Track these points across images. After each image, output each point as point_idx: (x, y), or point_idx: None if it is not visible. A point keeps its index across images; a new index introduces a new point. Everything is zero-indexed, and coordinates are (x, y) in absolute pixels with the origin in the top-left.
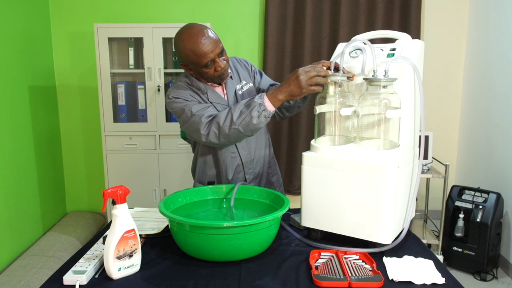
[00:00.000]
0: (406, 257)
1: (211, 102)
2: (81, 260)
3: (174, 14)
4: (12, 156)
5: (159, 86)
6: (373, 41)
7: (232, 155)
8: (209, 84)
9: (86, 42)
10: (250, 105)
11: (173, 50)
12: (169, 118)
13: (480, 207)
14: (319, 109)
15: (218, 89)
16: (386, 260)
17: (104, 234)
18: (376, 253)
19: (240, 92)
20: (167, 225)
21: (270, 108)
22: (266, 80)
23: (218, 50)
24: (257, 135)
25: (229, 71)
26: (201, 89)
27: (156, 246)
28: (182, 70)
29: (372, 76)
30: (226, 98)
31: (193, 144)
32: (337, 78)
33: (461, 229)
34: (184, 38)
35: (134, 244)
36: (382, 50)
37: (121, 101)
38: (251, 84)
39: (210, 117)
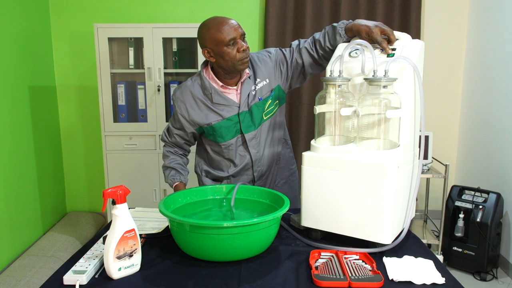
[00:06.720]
0: (406, 257)
1: (214, 103)
2: (81, 260)
3: (174, 14)
4: (12, 156)
5: (159, 86)
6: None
7: (242, 153)
8: (221, 86)
9: (86, 42)
10: None
11: (174, 50)
12: (169, 118)
13: (480, 207)
14: (319, 109)
15: (232, 91)
16: (386, 260)
17: (104, 234)
18: (376, 253)
19: (253, 93)
20: (167, 225)
21: None
22: (296, 50)
23: (241, 31)
24: (269, 131)
25: (247, 71)
26: (206, 88)
27: (156, 246)
28: (182, 70)
29: (372, 76)
30: (238, 100)
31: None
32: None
33: (461, 229)
34: (208, 24)
35: (134, 244)
36: (382, 50)
37: (121, 101)
38: (267, 80)
39: (166, 143)
